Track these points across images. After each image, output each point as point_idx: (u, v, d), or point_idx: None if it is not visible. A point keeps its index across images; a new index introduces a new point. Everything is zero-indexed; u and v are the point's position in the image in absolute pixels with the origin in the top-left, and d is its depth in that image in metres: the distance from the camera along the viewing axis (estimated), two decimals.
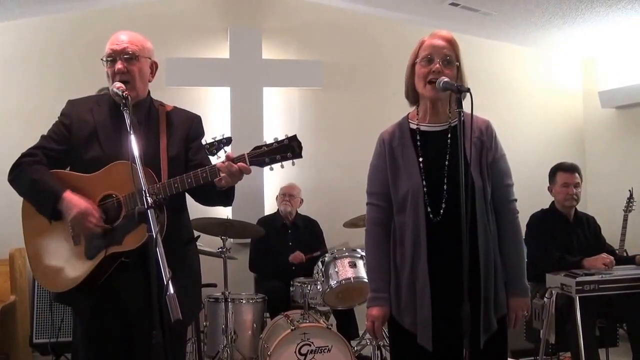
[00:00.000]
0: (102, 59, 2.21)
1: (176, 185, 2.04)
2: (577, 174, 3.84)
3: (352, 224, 4.41)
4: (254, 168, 2.04)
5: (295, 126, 5.27)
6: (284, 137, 2.02)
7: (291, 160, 2.02)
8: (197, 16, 5.24)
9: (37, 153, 2.18)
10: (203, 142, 2.40)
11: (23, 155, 2.19)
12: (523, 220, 2.65)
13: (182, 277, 1.99)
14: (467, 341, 1.83)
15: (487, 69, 5.58)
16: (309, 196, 4.99)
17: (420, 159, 2.09)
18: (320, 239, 4.78)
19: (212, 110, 5.12)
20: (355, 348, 4.11)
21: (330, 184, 5.31)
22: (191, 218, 2.40)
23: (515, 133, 5.55)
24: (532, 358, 3.97)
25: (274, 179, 5.03)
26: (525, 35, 5.42)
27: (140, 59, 2.20)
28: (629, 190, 4.35)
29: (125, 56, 2.17)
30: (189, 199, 2.29)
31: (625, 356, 3.81)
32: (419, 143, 2.11)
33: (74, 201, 2.06)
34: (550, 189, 3.92)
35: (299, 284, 4.09)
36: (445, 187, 2.04)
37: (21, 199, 2.22)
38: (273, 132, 5.10)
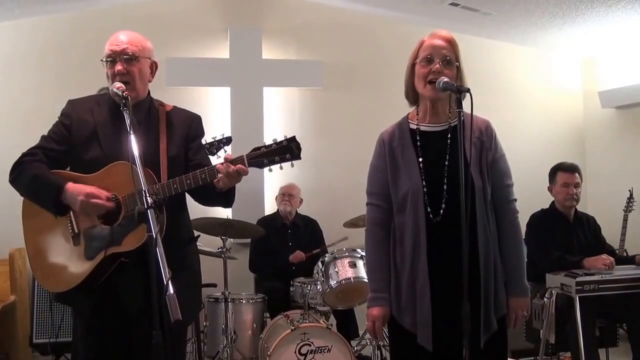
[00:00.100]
0: (102, 60, 2.21)
1: (175, 186, 2.04)
2: (577, 174, 3.84)
3: (352, 223, 4.42)
4: (254, 168, 2.04)
5: (295, 126, 5.27)
6: (283, 139, 2.02)
7: (290, 162, 2.02)
8: (197, 16, 5.24)
9: (37, 153, 2.19)
10: (203, 141, 2.39)
11: (23, 155, 2.19)
12: (523, 220, 2.65)
13: (182, 277, 1.99)
14: (467, 341, 1.83)
15: (487, 69, 5.58)
16: (309, 196, 4.99)
17: (420, 159, 2.08)
18: (320, 239, 4.78)
19: (212, 110, 5.12)
20: (355, 348, 4.11)
21: (330, 183, 5.31)
22: (191, 218, 2.40)
23: (515, 133, 5.55)
24: (532, 358, 3.97)
25: (274, 179, 5.03)
26: (525, 35, 5.42)
27: (140, 60, 2.20)
28: (629, 190, 4.36)
29: (125, 57, 2.17)
30: (189, 199, 2.29)
31: (625, 356, 3.81)
32: (418, 143, 2.11)
33: (77, 189, 2.07)
34: (550, 189, 3.92)
35: (299, 284, 4.08)
36: (445, 187, 2.04)
37: (21, 198, 2.22)
38: (273, 132, 5.10)
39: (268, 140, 2.05)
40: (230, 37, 5.17)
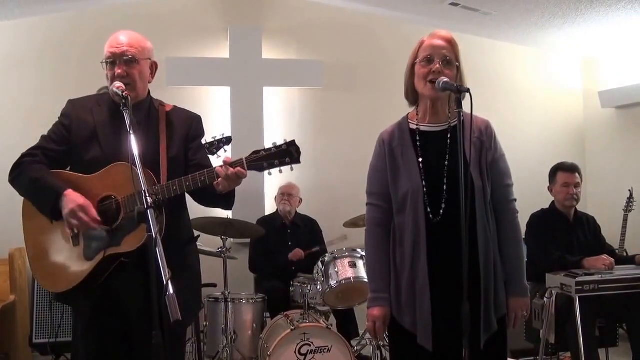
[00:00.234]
0: (101, 62, 2.20)
1: (175, 188, 2.04)
2: (577, 174, 3.84)
3: (352, 223, 4.41)
4: None
5: (295, 126, 5.27)
6: (282, 142, 2.01)
7: (289, 166, 2.02)
8: (197, 16, 5.24)
9: (37, 153, 2.18)
10: (203, 141, 2.39)
11: (23, 156, 2.19)
12: (523, 220, 2.65)
13: (182, 277, 1.99)
14: (467, 341, 1.84)
15: (487, 69, 5.58)
16: (309, 196, 4.99)
17: (420, 159, 2.09)
18: (319, 239, 4.78)
19: (212, 110, 5.12)
20: (355, 348, 4.11)
21: (329, 183, 5.31)
22: (191, 218, 2.40)
23: (515, 133, 5.55)
24: (532, 358, 3.97)
25: (274, 179, 4.98)
26: (525, 35, 5.42)
27: (140, 62, 2.19)
28: (629, 190, 4.36)
29: (125, 59, 2.16)
30: (189, 199, 2.29)
31: (625, 356, 3.81)
32: (418, 143, 2.11)
33: (74, 197, 2.06)
34: (550, 189, 3.92)
35: (299, 284, 4.09)
36: (445, 187, 2.04)
37: (21, 198, 2.22)
38: (273, 131, 5.11)
39: (268, 141, 2.06)
40: (231, 36, 5.17)
